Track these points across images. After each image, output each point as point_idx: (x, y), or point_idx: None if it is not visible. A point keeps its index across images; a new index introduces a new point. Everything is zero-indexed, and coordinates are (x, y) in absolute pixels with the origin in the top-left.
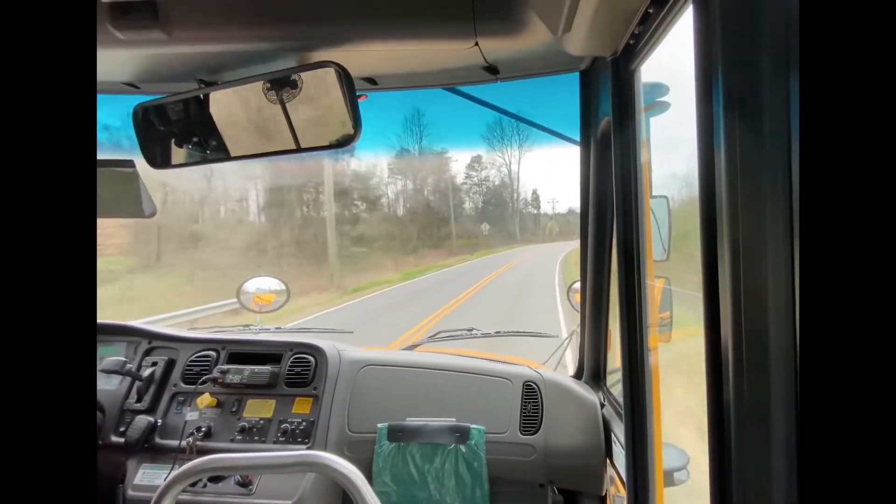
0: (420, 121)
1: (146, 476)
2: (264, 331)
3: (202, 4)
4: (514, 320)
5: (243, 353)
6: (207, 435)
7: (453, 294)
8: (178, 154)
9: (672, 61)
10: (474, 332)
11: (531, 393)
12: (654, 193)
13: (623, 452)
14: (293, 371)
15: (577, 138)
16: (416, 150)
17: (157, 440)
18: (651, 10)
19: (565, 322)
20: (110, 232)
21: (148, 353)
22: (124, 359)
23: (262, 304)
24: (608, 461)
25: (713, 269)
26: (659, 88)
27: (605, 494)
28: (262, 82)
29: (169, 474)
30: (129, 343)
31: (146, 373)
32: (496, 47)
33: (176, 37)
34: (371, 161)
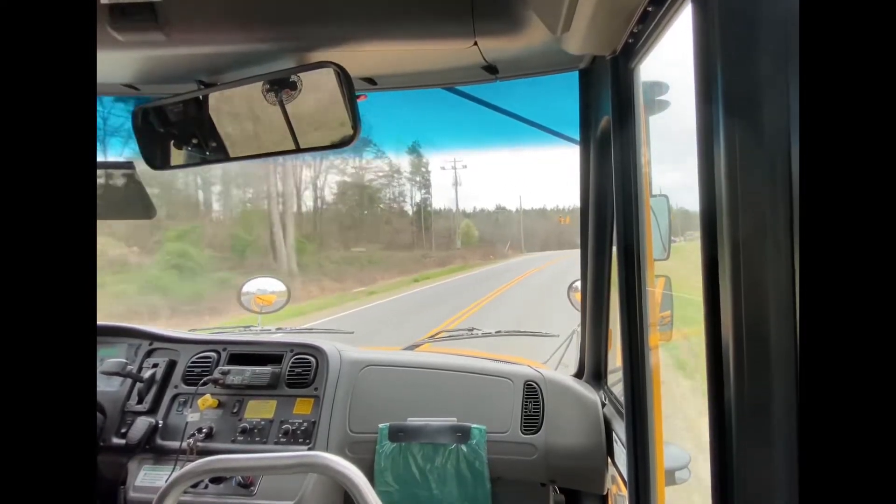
0: None
1: (147, 477)
2: (265, 332)
3: (202, 6)
4: None
5: (244, 354)
6: (208, 436)
7: None
8: (177, 155)
9: (673, 59)
10: (475, 331)
11: (532, 392)
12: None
13: (624, 451)
14: (294, 372)
15: (577, 137)
16: None
17: (159, 441)
18: (650, 9)
19: None
20: None
21: (149, 354)
22: (125, 360)
23: (263, 305)
24: (609, 460)
25: (713, 268)
26: (659, 87)
27: (607, 493)
28: (261, 83)
29: (170, 475)
30: (129, 345)
31: (147, 374)
32: (495, 47)
33: (175, 38)
34: None
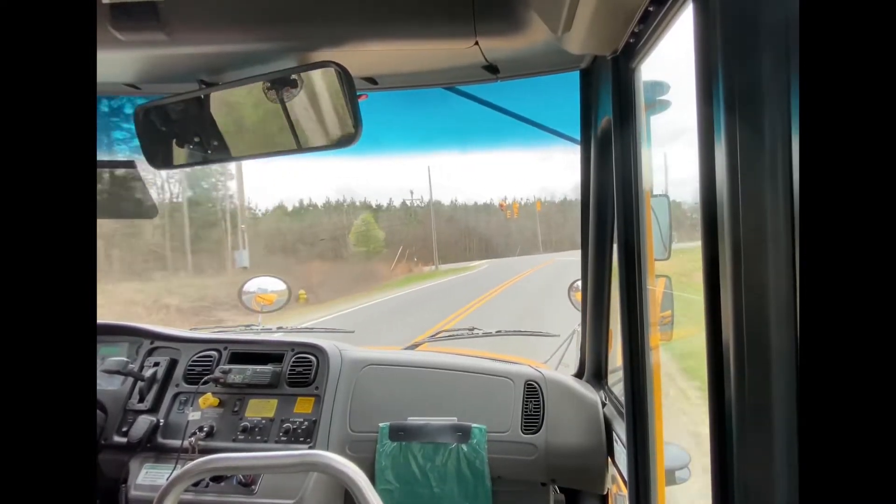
0: None
1: (149, 476)
2: (266, 331)
3: (203, 5)
4: None
5: (245, 353)
6: (210, 435)
7: None
8: (179, 154)
9: (674, 58)
10: (475, 331)
11: (532, 392)
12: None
13: (624, 451)
14: (295, 371)
15: (577, 137)
16: None
17: (160, 440)
18: (651, 9)
19: None
20: None
21: (150, 353)
22: (126, 359)
23: (264, 304)
24: (610, 460)
25: (714, 268)
26: (660, 87)
27: (607, 493)
28: (262, 82)
29: (171, 474)
30: (131, 343)
31: (148, 373)
32: (496, 46)
33: (177, 38)
34: None
